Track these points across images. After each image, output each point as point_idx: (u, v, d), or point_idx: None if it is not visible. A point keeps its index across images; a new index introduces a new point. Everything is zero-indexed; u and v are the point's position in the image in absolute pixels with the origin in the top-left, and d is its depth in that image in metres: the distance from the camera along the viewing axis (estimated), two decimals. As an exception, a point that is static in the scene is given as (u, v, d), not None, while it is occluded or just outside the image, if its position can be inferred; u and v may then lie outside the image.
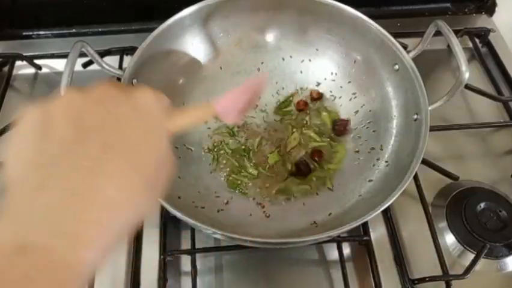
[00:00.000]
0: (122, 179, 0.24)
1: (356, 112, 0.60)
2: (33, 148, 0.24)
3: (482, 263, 0.50)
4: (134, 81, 0.52)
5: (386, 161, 0.54)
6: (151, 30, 0.54)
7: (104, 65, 0.53)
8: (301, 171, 0.55)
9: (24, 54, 0.69)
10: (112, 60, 0.63)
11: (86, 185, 0.23)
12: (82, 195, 0.23)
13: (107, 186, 0.24)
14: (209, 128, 0.60)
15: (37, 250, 0.21)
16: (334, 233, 0.43)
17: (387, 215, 0.55)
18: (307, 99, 0.62)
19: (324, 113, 0.61)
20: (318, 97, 0.62)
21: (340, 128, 0.58)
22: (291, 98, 0.62)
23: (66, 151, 0.24)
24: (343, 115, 0.61)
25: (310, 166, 0.56)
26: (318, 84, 0.63)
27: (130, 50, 0.69)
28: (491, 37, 0.74)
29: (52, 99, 0.26)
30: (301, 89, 0.63)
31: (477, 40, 0.74)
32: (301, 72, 0.64)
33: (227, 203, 0.53)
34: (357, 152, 0.57)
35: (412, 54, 0.54)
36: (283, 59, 0.64)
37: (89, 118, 0.25)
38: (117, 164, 0.24)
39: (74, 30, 0.74)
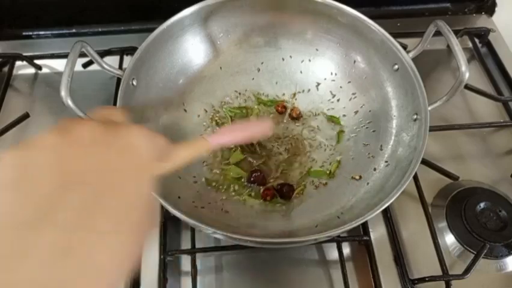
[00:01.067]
0: (110, 241, 0.22)
1: (356, 112, 0.60)
2: (13, 202, 0.21)
3: (482, 263, 0.50)
4: (134, 81, 0.52)
5: (386, 161, 0.54)
6: (151, 30, 0.54)
7: (104, 65, 0.53)
8: (283, 194, 0.54)
9: (24, 54, 0.69)
10: (112, 61, 0.63)
11: (71, 252, 0.20)
12: (66, 264, 0.20)
13: (94, 251, 0.21)
14: (211, 131, 0.60)
15: None
16: (334, 232, 0.43)
17: (387, 215, 0.55)
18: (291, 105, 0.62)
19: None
20: (297, 116, 0.60)
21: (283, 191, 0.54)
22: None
23: (49, 210, 0.21)
24: (343, 115, 0.61)
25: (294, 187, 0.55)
26: (318, 84, 0.63)
27: (130, 50, 0.69)
28: (491, 37, 0.74)
29: (31, 141, 0.24)
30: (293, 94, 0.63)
31: (477, 40, 0.75)
32: (301, 72, 0.64)
33: (227, 202, 0.53)
34: (357, 151, 0.57)
35: (412, 54, 0.54)
36: (283, 59, 0.64)
37: (73, 167, 0.23)
38: (104, 224, 0.22)
39: (74, 30, 0.74)
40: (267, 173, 0.56)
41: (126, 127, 0.26)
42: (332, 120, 0.60)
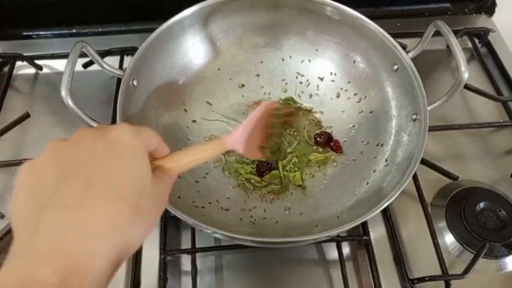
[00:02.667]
0: (105, 209, 0.26)
1: (355, 112, 0.60)
2: (27, 196, 0.27)
3: (481, 262, 0.50)
4: (135, 81, 0.52)
5: (385, 161, 0.54)
6: (152, 30, 0.54)
7: (104, 65, 0.53)
8: (319, 142, 0.58)
9: (25, 54, 0.69)
10: (113, 61, 0.63)
11: (73, 220, 0.25)
12: (69, 229, 0.25)
13: (91, 218, 0.26)
14: (211, 131, 0.60)
15: (36, 286, 0.24)
16: (333, 232, 0.43)
17: (386, 214, 0.55)
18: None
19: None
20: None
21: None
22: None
23: (53, 194, 0.26)
24: (343, 115, 0.61)
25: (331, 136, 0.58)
26: (318, 84, 0.63)
27: (131, 50, 0.69)
28: (491, 37, 0.74)
29: (41, 152, 0.29)
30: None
31: (476, 40, 0.75)
32: (300, 72, 0.64)
33: (227, 202, 0.53)
34: (357, 151, 0.57)
35: (411, 54, 0.54)
36: (283, 59, 0.64)
37: (70, 160, 0.28)
38: (99, 197, 0.26)
39: (74, 31, 0.74)
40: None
41: (113, 126, 0.30)
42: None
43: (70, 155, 0.28)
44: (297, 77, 0.64)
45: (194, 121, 0.60)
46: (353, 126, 0.60)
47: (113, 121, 0.60)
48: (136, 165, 0.29)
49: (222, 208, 0.53)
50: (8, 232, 0.52)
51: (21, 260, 0.25)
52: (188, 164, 0.36)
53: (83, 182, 0.26)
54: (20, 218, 0.27)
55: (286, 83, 0.64)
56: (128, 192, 0.27)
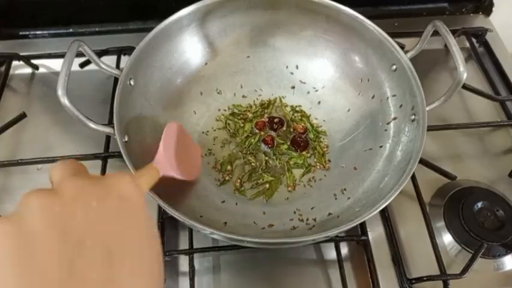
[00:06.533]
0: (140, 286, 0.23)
1: (354, 112, 0.60)
2: (18, 284, 0.19)
3: (479, 262, 0.50)
4: (132, 81, 0.52)
5: (384, 161, 0.54)
6: (149, 30, 0.54)
7: (101, 64, 0.52)
8: (298, 144, 0.58)
9: (21, 54, 0.69)
10: (110, 60, 0.63)
11: None
12: None
13: None
14: (208, 131, 0.60)
15: None
16: (332, 233, 0.43)
17: (385, 214, 0.55)
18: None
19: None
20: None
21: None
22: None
23: (67, 273, 0.20)
24: (341, 115, 0.61)
25: (308, 140, 0.59)
26: (316, 84, 0.63)
27: (128, 50, 0.68)
28: (489, 37, 0.75)
29: (21, 209, 0.21)
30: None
31: (474, 40, 0.75)
32: (299, 72, 0.64)
33: (224, 202, 0.53)
34: (356, 151, 0.57)
35: (410, 54, 0.54)
36: (281, 59, 0.64)
37: (76, 224, 0.21)
38: (129, 271, 0.22)
39: (71, 30, 0.74)
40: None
41: (111, 178, 0.25)
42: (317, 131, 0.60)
43: (72, 215, 0.21)
44: (295, 77, 0.64)
45: (191, 121, 0.60)
46: (351, 126, 0.60)
47: (110, 121, 0.59)
48: (150, 227, 0.26)
49: (219, 209, 0.52)
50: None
51: None
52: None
53: (103, 249, 0.21)
54: None
55: (285, 83, 0.64)
56: (154, 268, 0.24)
